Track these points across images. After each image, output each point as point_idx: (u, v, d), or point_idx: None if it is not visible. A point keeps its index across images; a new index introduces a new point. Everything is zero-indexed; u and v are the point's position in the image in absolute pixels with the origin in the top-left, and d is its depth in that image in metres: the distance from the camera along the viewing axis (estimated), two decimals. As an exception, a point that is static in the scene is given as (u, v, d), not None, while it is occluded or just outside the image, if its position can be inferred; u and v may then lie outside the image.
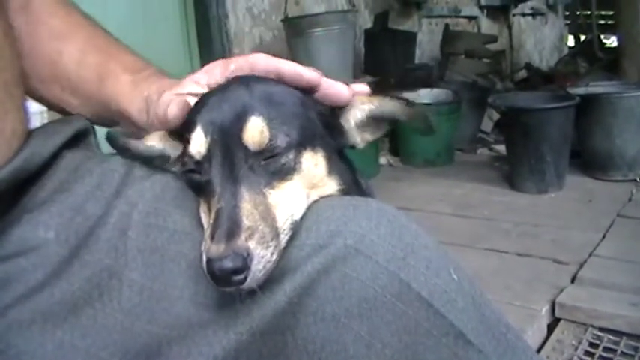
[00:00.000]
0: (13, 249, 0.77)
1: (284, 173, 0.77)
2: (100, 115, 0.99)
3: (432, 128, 0.86)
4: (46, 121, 1.00)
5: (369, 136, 0.89)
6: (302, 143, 0.79)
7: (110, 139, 0.89)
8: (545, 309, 2.34)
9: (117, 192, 0.82)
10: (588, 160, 3.99)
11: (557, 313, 2.36)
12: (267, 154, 0.75)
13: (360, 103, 0.86)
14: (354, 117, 0.87)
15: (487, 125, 5.35)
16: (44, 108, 1.08)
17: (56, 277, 0.76)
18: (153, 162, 0.89)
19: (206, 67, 0.89)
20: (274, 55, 0.87)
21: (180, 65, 4.14)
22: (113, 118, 0.99)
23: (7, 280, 0.76)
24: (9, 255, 0.77)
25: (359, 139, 0.88)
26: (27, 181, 0.81)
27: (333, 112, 0.86)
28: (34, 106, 0.96)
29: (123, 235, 0.79)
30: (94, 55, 1.00)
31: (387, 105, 0.85)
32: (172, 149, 0.87)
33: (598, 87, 4.21)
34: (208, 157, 0.76)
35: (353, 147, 0.89)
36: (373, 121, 0.87)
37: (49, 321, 0.74)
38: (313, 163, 0.80)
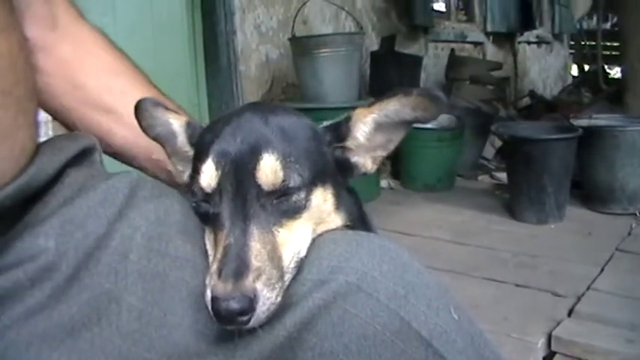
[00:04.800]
0: (12, 259, 0.76)
1: (294, 211, 0.76)
2: (147, 152, 1.04)
3: (443, 107, 0.80)
4: (50, 131, 1.01)
5: (380, 153, 0.86)
6: (314, 181, 0.78)
7: (140, 102, 0.89)
8: (541, 342, 2.33)
9: (120, 213, 0.81)
10: (589, 192, 3.99)
11: (554, 347, 2.35)
12: (279, 193, 0.75)
13: (362, 115, 0.84)
14: (361, 132, 0.85)
15: (489, 152, 5.35)
16: (49, 117, 1.09)
17: (55, 299, 0.75)
18: (159, 139, 0.91)
19: None
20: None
21: (187, 79, 4.16)
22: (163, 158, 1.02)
23: (5, 299, 0.75)
24: (8, 266, 0.75)
25: (370, 161, 0.86)
26: (31, 199, 0.80)
27: (343, 140, 0.85)
28: (40, 116, 0.97)
29: (124, 259, 0.78)
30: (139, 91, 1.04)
31: (389, 105, 0.82)
32: (181, 144, 0.89)
33: (601, 119, 4.22)
34: (219, 190, 0.75)
35: (365, 174, 0.87)
36: (382, 131, 0.84)
37: (47, 343, 0.73)
38: (323, 200, 0.80)
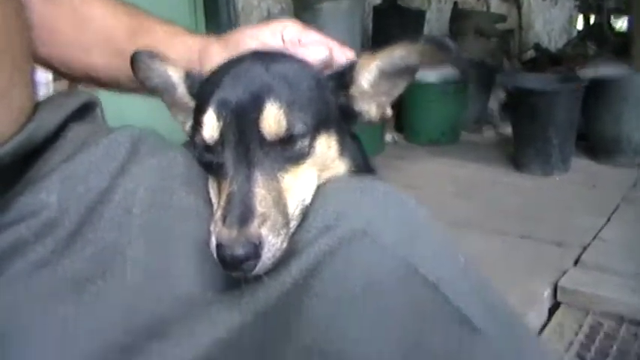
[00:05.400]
0: (15, 215, 0.75)
1: (298, 158, 0.76)
2: (128, 75, 1.00)
3: (451, 55, 0.79)
4: (51, 92, 1.00)
5: (384, 100, 0.86)
6: (317, 128, 0.77)
7: (135, 54, 0.88)
8: (547, 292, 2.35)
9: (122, 167, 0.81)
10: (594, 144, 3.98)
11: (559, 297, 2.37)
12: (283, 141, 0.74)
13: (366, 63, 0.83)
14: (365, 80, 0.84)
15: (494, 105, 5.32)
16: (50, 78, 1.09)
17: (59, 254, 0.75)
18: (158, 91, 0.90)
19: (272, 27, 0.93)
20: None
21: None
22: None
23: (9, 255, 0.74)
24: (11, 222, 0.75)
25: (374, 108, 0.86)
26: (32, 155, 0.80)
27: (347, 88, 0.84)
28: (40, 76, 0.96)
29: (127, 213, 0.77)
30: (124, 16, 1.04)
31: (395, 53, 0.81)
32: (181, 96, 0.88)
33: (607, 71, 4.17)
34: (221, 141, 0.75)
35: (369, 122, 0.86)
36: (387, 79, 0.83)
37: (52, 298, 0.73)
38: (327, 146, 0.80)
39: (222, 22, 4.20)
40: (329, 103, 0.82)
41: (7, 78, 0.76)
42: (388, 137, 4.67)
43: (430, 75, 4.57)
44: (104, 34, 1.03)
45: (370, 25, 5.16)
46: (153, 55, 0.89)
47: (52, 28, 1.02)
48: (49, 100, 0.86)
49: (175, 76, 0.88)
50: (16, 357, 0.70)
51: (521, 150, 3.85)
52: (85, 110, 0.89)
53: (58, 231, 0.76)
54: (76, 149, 0.81)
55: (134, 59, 0.88)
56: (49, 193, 0.77)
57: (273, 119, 0.74)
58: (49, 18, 1.01)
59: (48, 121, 0.81)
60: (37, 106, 0.83)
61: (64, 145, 0.83)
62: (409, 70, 0.82)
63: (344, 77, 0.84)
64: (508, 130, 4.35)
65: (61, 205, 0.77)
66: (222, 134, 0.75)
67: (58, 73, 1.08)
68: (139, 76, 0.89)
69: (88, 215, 0.77)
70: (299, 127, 0.75)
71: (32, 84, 0.84)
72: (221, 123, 0.75)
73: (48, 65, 1.05)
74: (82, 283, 0.74)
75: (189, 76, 0.88)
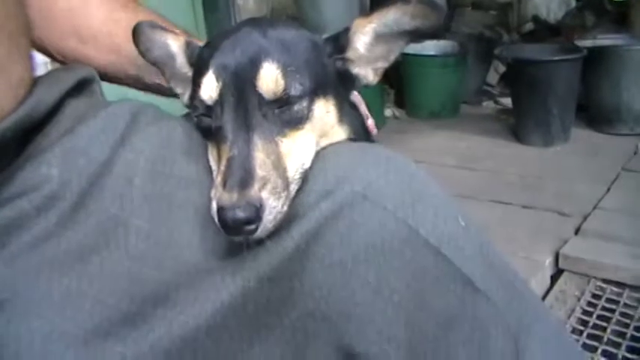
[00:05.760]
0: (16, 190, 0.76)
1: (296, 121, 0.76)
2: (124, 69, 1.02)
3: (442, 14, 0.80)
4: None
5: (381, 64, 0.85)
6: (315, 91, 0.78)
7: (137, 26, 0.89)
8: (548, 260, 2.35)
9: (122, 138, 0.81)
10: (594, 114, 3.96)
11: (561, 265, 2.38)
12: (281, 102, 0.75)
13: (361, 26, 0.83)
14: (361, 43, 0.84)
15: (493, 77, 5.29)
16: (48, 59, 1.08)
17: (62, 226, 0.75)
18: (158, 62, 0.90)
19: None
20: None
21: (184, 13, 4.09)
22: (138, 73, 1.04)
23: (11, 228, 0.75)
24: (12, 197, 0.75)
25: (371, 72, 0.86)
26: (31, 130, 0.80)
27: (343, 52, 0.84)
28: (38, 57, 0.96)
29: (128, 183, 0.78)
30: (121, 11, 1.04)
31: (388, 15, 0.81)
32: (180, 66, 0.89)
33: (606, 40, 4.14)
34: (220, 102, 0.75)
35: (367, 86, 0.87)
36: (382, 42, 0.83)
37: (56, 269, 0.73)
38: (325, 111, 0.80)
39: (222, 17, 4.18)
40: (326, 66, 0.82)
41: (5, 53, 0.76)
42: (388, 112, 4.65)
43: (429, 48, 4.55)
44: (102, 28, 1.03)
45: (368, 1, 5.12)
46: (154, 25, 0.89)
47: (48, 14, 1.02)
48: (47, 75, 0.86)
49: (175, 45, 0.89)
50: (20, 327, 0.71)
51: (522, 121, 3.83)
52: (83, 85, 0.89)
53: (60, 204, 0.76)
54: (75, 123, 0.82)
55: (136, 30, 0.88)
56: (50, 166, 0.77)
57: (270, 78, 0.74)
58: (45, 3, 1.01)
59: (46, 96, 0.81)
60: (35, 82, 0.83)
61: (63, 120, 0.83)
62: (404, 34, 0.82)
63: (340, 41, 0.84)
64: (508, 101, 4.34)
65: (62, 177, 0.77)
66: (221, 95, 0.75)
67: (53, 59, 1.08)
68: (140, 48, 0.89)
69: (90, 187, 0.78)
70: (296, 88, 0.75)
71: (30, 59, 0.84)
72: (220, 84, 0.75)
73: (43, 50, 1.05)
74: (86, 253, 0.75)
75: (189, 46, 0.88)
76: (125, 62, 1.04)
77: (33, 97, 0.79)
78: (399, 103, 4.77)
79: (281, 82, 0.74)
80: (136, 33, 0.89)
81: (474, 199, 2.94)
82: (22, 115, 0.77)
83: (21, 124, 0.77)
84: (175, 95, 0.93)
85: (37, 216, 0.76)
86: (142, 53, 0.90)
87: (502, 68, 4.97)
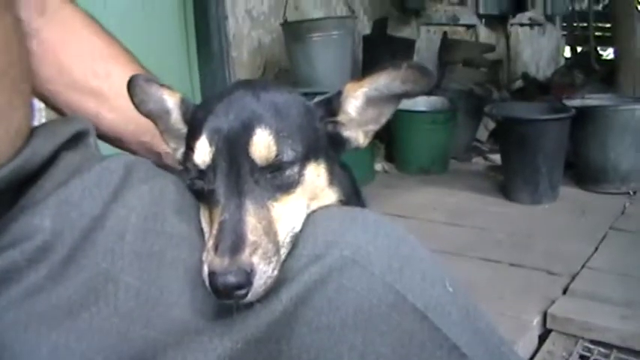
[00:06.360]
0: (8, 240, 0.76)
1: (288, 186, 0.77)
2: (135, 135, 1.03)
3: (432, 80, 0.81)
4: (43, 119, 1.01)
5: (371, 127, 0.87)
6: (307, 155, 0.79)
7: (133, 78, 0.89)
8: (536, 320, 2.34)
9: (115, 193, 0.81)
10: (582, 172, 4.00)
11: (549, 325, 2.36)
12: (273, 167, 0.76)
13: (353, 90, 0.84)
14: (352, 107, 0.85)
15: (483, 134, 5.35)
16: (42, 105, 1.09)
17: (52, 280, 0.75)
18: (152, 115, 0.90)
19: None
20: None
21: (179, 66, 4.14)
22: (152, 140, 1.05)
23: (2, 279, 0.74)
24: (4, 247, 0.75)
25: (362, 135, 0.87)
26: (25, 181, 0.80)
27: (334, 115, 0.85)
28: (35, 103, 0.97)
29: (120, 240, 0.78)
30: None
31: (380, 80, 0.82)
32: (175, 122, 0.89)
33: (594, 100, 4.22)
34: (213, 166, 0.76)
35: (357, 148, 0.88)
36: (373, 106, 0.85)
37: (45, 324, 0.73)
38: (316, 175, 0.81)
39: (214, 52, 4.24)
40: (317, 130, 0.83)
41: (6, 99, 0.77)
42: (378, 167, 4.68)
43: (420, 103, 4.61)
44: (118, 96, 1.02)
45: (360, 56, 5.20)
46: (150, 79, 0.90)
47: (62, 67, 1.03)
48: (44, 126, 0.87)
49: (171, 101, 0.89)
50: None
51: (510, 178, 3.86)
52: (78, 138, 0.90)
53: (51, 256, 0.76)
54: (69, 176, 0.82)
55: (131, 82, 0.89)
56: (43, 217, 0.77)
57: (263, 144, 0.75)
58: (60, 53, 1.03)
59: (42, 148, 0.82)
60: (31, 132, 0.84)
61: (57, 173, 0.83)
62: (394, 98, 0.84)
63: (332, 104, 0.85)
64: (497, 158, 4.38)
65: (54, 229, 0.77)
66: (213, 159, 0.76)
67: (59, 114, 1.08)
68: (134, 100, 0.90)
69: (82, 241, 0.77)
70: (289, 154, 0.76)
71: (31, 106, 0.85)
72: (213, 148, 0.76)
73: (52, 105, 1.07)
74: (76, 309, 0.74)
75: (183, 102, 0.89)
76: (138, 129, 1.06)
77: (28, 148, 0.80)
78: (389, 157, 4.81)
79: (273, 149, 0.75)
80: (131, 85, 0.89)
81: (462, 256, 2.93)
82: (17, 165, 0.77)
83: (16, 174, 0.77)
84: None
85: (28, 267, 0.75)
86: (137, 105, 0.90)
87: (492, 125, 5.03)
